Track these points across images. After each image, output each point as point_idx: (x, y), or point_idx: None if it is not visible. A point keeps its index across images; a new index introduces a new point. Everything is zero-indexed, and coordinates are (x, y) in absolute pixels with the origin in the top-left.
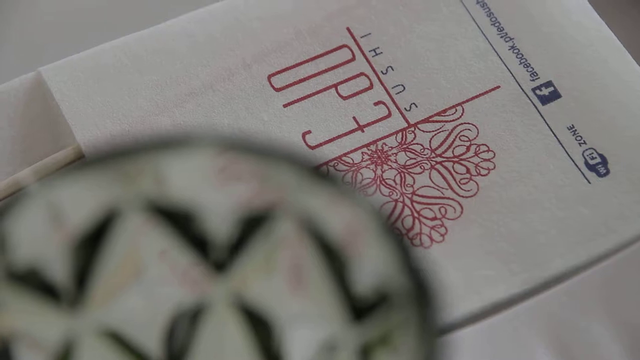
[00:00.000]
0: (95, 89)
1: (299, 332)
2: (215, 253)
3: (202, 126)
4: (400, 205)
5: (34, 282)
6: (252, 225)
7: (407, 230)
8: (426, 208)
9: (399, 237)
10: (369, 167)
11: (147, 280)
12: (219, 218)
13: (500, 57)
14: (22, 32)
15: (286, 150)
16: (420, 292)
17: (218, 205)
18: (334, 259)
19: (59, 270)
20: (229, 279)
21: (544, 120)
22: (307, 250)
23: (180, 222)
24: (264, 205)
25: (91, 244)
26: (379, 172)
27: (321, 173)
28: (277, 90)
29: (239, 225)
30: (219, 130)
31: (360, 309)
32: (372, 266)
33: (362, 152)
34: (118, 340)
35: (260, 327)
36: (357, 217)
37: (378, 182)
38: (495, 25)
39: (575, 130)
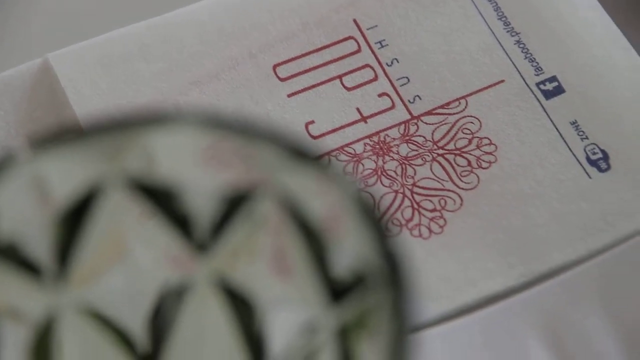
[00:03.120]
0: (102, 75)
1: (280, 314)
2: (198, 233)
3: (190, 106)
4: (400, 196)
5: (14, 257)
6: (234, 205)
7: (406, 221)
8: (426, 200)
9: (377, 221)
10: (370, 158)
11: (131, 260)
12: (201, 197)
13: (505, 52)
14: (31, 18)
15: (269, 130)
16: (393, 275)
17: (201, 184)
18: (314, 241)
19: (40, 245)
20: (211, 259)
21: (547, 115)
22: (289, 231)
23: (163, 200)
24: (247, 185)
25: (74, 220)
26: (380, 163)
27: (304, 155)
28: (282, 80)
29: (221, 204)
30: (203, 109)
31: (338, 291)
32: (350, 249)
33: (364, 143)
34: (100, 318)
35: (242, 308)
36: (338, 199)
37: (379, 173)
38: (502, 19)
39: (578, 125)
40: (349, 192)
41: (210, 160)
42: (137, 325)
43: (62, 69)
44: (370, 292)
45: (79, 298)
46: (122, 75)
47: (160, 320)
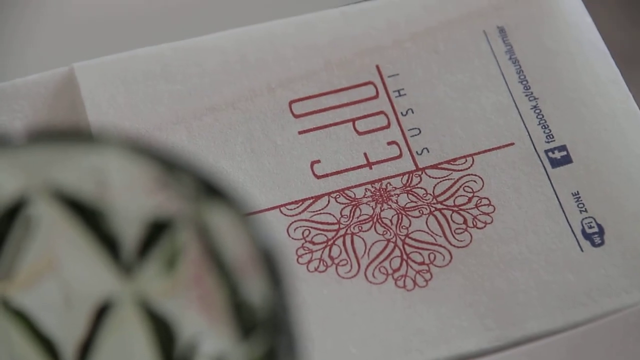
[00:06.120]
0: (121, 90)
1: (198, 344)
2: (124, 254)
3: (114, 127)
4: (392, 245)
5: None
6: (157, 231)
7: (393, 271)
8: (416, 252)
9: (278, 273)
10: (369, 204)
11: (63, 273)
12: (126, 219)
13: (520, 115)
14: (65, 25)
15: (193, 164)
16: (282, 327)
17: (126, 206)
18: (228, 277)
19: None
20: (136, 281)
21: (551, 183)
22: (206, 263)
23: (92, 218)
24: (168, 213)
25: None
26: (377, 210)
27: (223, 194)
28: (296, 117)
29: (146, 229)
30: (131, 134)
31: (247, 329)
32: (256, 292)
33: (365, 188)
34: (29, 324)
35: (164, 333)
36: (249, 243)
37: (375, 220)
38: (523, 83)
39: (579, 197)
40: (258, 239)
41: (135, 185)
42: (64, 338)
43: (85, 80)
44: (269, 335)
45: (8, 299)
46: (141, 93)
47: (85, 334)
